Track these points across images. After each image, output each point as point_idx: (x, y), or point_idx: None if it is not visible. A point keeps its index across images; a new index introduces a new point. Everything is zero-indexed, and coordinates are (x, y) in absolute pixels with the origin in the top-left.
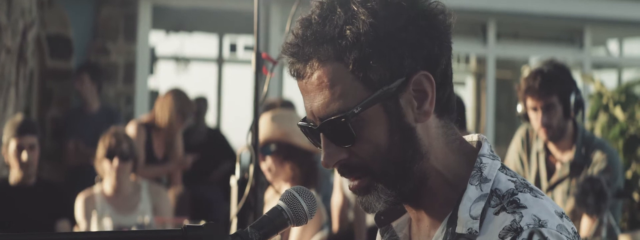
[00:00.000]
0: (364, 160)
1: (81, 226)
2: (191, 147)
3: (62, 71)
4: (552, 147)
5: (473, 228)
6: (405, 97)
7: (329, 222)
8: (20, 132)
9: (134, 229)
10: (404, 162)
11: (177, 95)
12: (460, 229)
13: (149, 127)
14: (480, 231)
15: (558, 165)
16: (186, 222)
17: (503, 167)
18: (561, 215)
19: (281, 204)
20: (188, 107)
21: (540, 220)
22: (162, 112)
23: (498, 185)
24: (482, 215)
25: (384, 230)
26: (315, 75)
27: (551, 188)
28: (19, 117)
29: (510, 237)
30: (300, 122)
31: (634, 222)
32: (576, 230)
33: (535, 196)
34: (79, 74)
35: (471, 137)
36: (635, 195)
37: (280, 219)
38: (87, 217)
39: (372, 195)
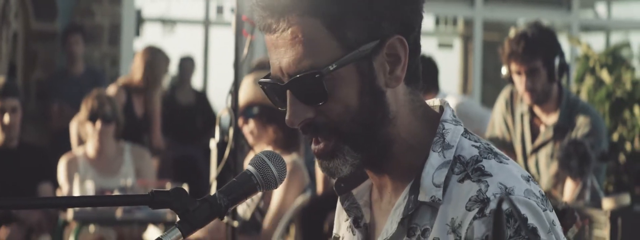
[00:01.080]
0: (331, 121)
1: (63, 189)
2: (178, 107)
3: (47, 33)
4: (536, 109)
5: (436, 196)
6: (379, 60)
7: (312, 185)
8: (2, 94)
9: (116, 191)
10: (372, 125)
11: (150, 52)
12: (422, 196)
13: (128, 89)
14: (443, 199)
15: (542, 128)
16: (168, 185)
17: (466, 132)
18: (528, 179)
19: (250, 168)
20: (162, 63)
21: (506, 187)
22: (137, 71)
23: (461, 152)
24: (446, 182)
25: (344, 198)
26: (289, 30)
27: (535, 151)
28: (0, 80)
29: (477, 209)
30: (261, 79)
31: (619, 185)
32: (544, 193)
33: (500, 162)
34: (72, 35)
35: (433, 102)
36: (622, 158)
37: (249, 184)
38: (70, 180)
39: (339, 159)
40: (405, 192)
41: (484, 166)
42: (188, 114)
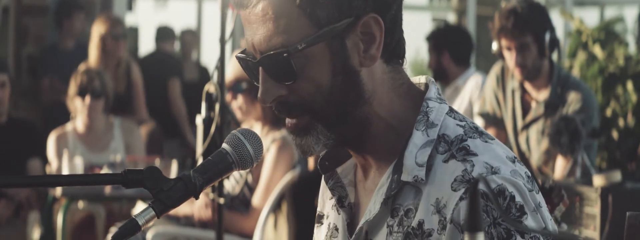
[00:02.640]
0: (304, 99)
1: (52, 165)
2: (184, 84)
3: (38, 8)
4: (527, 85)
5: (419, 175)
6: (352, 38)
7: (302, 161)
8: None
9: (105, 167)
10: (345, 105)
11: (107, 23)
12: (405, 176)
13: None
14: (428, 179)
15: (533, 104)
16: (157, 161)
17: (451, 111)
18: (513, 159)
19: (226, 147)
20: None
21: (492, 167)
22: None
23: (446, 131)
24: (430, 162)
25: (328, 177)
26: (260, 6)
27: (526, 127)
28: None
29: (463, 188)
30: (237, 54)
31: (613, 162)
32: (530, 174)
33: (486, 141)
34: (75, 13)
35: (418, 79)
36: (615, 134)
37: (225, 163)
38: (59, 155)
39: (312, 137)
40: (388, 172)
41: (469, 145)
42: (193, 90)
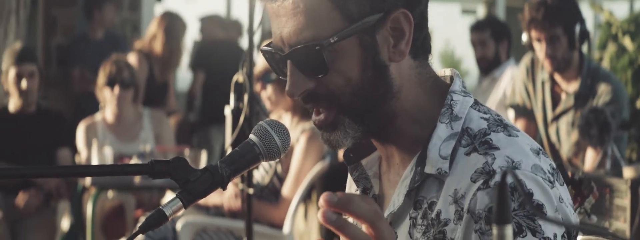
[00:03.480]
0: (332, 93)
1: (82, 155)
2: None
3: None
4: (557, 77)
5: (442, 168)
6: (382, 33)
7: (332, 151)
8: (19, 59)
9: (134, 157)
10: (374, 99)
11: (168, 18)
12: (429, 168)
13: (148, 57)
14: (449, 172)
15: (563, 96)
16: (187, 152)
17: (476, 103)
18: (537, 152)
19: (253, 138)
20: (180, 29)
21: (513, 161)
22: (156, 39)
23: (470, 124)
24: (453, 155)
25: (353, 168)
26: (290, 0)
27: (556, 118)
28: (18, 45)
29: (482, 180)
30: (263, 47)
31: None
32: (555, 166)
33: (509, 135)
34: (106, 4)
35: (444, 72)
36: None
37: (252, 154)
38: (88, 145)
39: (340, 131)
40: (412, 164)
41: (491, 139)
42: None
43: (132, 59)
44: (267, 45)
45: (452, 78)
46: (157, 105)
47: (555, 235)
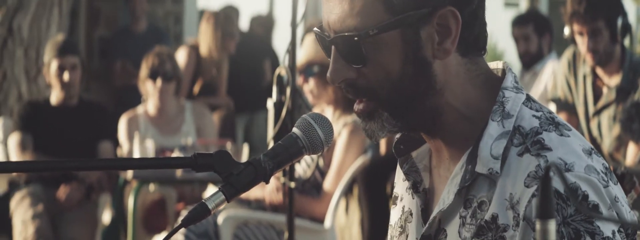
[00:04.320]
0: (371, 85)
1: (123, 148)
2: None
3: None
4: (599, 70)
5: (494, 168)
6: (427, 29)
7: (374, 145)
8: (62, 52)
9: (176, 150)
10: (414, 94)
11: (218, 17)
12: (480, 168)
13: (197, 53)
14: (502, 172)
15: (605, 90)
16: (229, 145)
17: (528, 100)
18: (590, 152)
19: (296, 131)
20: (233, 28)
21: (566, 163)
22: (204, 38)
23: (521, 122)
24: (505, 154)
25: (403, 161)
26: None
27: (597, 113)
28: (60, 37)
29: (536, 185)
30: (315, 29)
31: None
32: (607, 166)
33: (561, 134)
34: None
35: (496, 64)
36: None
37: (295, 147)
38: (130, 138)
39: (376, 123)
40: (462, 161)
41: (543, 139)
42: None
43: (181, 53)
44: (318, 27)
45: (503, 71)
46: (207, 100)
47: (613, 233)
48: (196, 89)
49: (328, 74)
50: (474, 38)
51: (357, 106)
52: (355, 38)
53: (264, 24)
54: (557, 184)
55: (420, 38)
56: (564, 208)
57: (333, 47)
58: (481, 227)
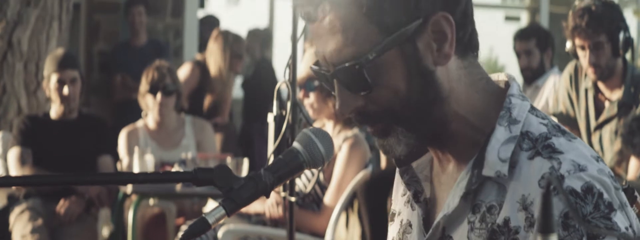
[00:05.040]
0: (382, 107)
1: (123, 162)
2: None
3: (110, 4)
4: (601, 85)
5: (501, 171)
6: (424, 39)
7: (374, 160)
8: (61, 66)
9: (176, 165)
10: (424, 106)
11: (226, 37)
12: (487, 171)
13: (203, 69)
14: (512, 176)
15: (606, 104)
16: (229, 160)
17: (533, 109)
18: (597, 159)
19: (297, 146)
20: (240, 49)
21: (580, 165)
22: (213, 57)
23: (529, 128)
24: (513, 158)
25: (403, 171)
26: (327, 19)
27: (599, 127)
28: (59, 51)
29: (553, 186)
30: (312, 66)
31: None
32: (612, 174)
33: (569, 140)
34: (134, 6)
35: (498, 76)
36: None
37: (296, 162)
38: (130, 152)
39: (392, 138)
40: (468, 167)
41: (554, 143)
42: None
43: (185, 67)
44: (315, 64)
45: (507, 83)
46: (209, 117)
47: (627, 228)
48: (206, 105)
49: (337, 107)
50: (469, 37)
51: (370, 129)
52: (357, 66)
53: (261, 38)
54: (573, 183)
55: (418, 49)
56: (583, 206)
57: (335, 80)
58: (493, 231)
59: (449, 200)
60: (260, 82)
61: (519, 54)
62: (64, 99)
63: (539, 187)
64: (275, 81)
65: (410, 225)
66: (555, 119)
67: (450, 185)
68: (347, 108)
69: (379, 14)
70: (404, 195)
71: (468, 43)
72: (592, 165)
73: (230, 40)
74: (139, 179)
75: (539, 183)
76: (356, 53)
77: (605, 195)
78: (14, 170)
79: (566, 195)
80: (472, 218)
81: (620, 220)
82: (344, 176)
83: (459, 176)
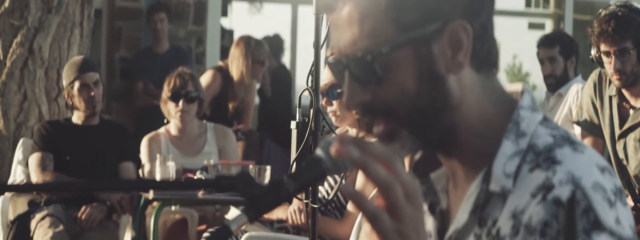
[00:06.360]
0: (388, 105)
1: (145, 168)
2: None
3: (132, 10)
4: (625, 92)
5: (506, 186)
6: (439, 44)
7: None
8: (82, 70)
9: (198, 172)
10: (432, 111)
11: (248, 43)
12: (493, 186)
13: (226, 77)
14: (513, 189)
15: (631, 112)
16: (251, 167)
17: (545, 120)
18: (603, 169)
19: (320, 153)
20: (263, 55)
21: (574, 176)
22: (234, 63)
23: (536, 140)
24: (517, 172)
25: (420, 182)
26: (345, 10)
27: (623, 135)
28: (78, 58)
29: (541, 194)
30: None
31: None
32: (618, 186)
33: (575, 150)
34: (156, 13)
35: (514, 87)
36: None
37: (319, 169)
38: (152, 159)
39: (396, 143)
40: (477, 181)
41: (555, 155)
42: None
43: (207, 74)
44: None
45: (522, 93)
46: (231, 124)
47: None
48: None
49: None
50: (486, 53)
51: (376, 129)
52: (369, 58)
53: (273, 44)
54: (560, 192)
55: (432, 53)
56: (564, 217)
57: (346, 72)
58: None
59: (459, 214)
60: (276, 88)
61: (542, 61)
62: (89, 102)
63: (531, 197)
64: (290, 88)
65: (430, 235)
66: (578, 128)
67: (461, 198)
68: (354, 101)
69: (398, 11)
70: (423, 203)
71: (485, 58)
72: (590, 176)
73: (252, 46)
74: (162, 185)
75: (532, 193)
76: (370, 46)
77: (594, 211)
78: (35, 176)
79: (570, 205)
80: (478, 231)
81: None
82: (366, 183)
83: (469, 190)
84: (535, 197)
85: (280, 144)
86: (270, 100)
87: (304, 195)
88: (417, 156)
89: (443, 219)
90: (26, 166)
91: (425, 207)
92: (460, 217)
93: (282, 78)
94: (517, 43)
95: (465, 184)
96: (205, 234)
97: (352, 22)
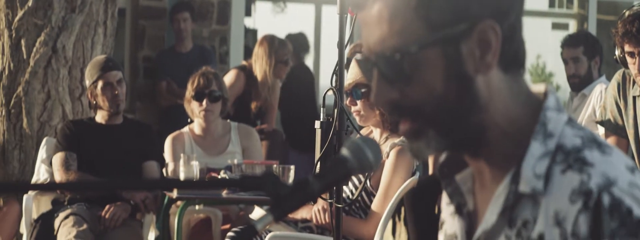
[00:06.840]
0: (415, 104)
1: (169, 168)
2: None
3: (156, 10)
4: None
5: (537, 187)
6: (468, 44)
7: (422, 167)
8: (105, 69)
9: (222, 171)
10: (459, 111)
11: (272, 43)
12: (523, 187)
13: (249, 76)
14: (545, 190)
15: None
16: (275, 166)
17: (570, 121)
18: (632, 170)
19: (345, 152)
20: (286, 54)
21: (609, 178)
22: (260, 62)
23: (563, 141)
24: (548, 173)
25: (447, 184)
26: (375, 8)
27: None
28: (100, 57)
29: (581, 201)
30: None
31: None
32: None
33: (603, 152)
34: (179, 12)
35: (538, 88)
36: None
37: (344, 169)
38: (175, 158)
39: (422, 142)
40: (505, 182)
41: (586, 156)
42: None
43: (231, 73)
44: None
45: (546, 94)
46: (255, 124)
47: None
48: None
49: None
50: (513, 53)
51: (402, 127)
52: (397, 56)
53: (298, 43)
54: (601, 197)
55: (461, 53)
56: (609, 223)
57: (374, 70)
58: None
59: (487, 215)
60: (296, 87)
61: (566, 61)
62: (112, 101)
63: (570, 203)
64: (312, 87)
65: (456, 237)
66: (602, 129)
67: (489, 198)
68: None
69: (428, 10)
70: (449, 204)
71: (512, 59)
72: (624, 176)
73: (275, 45)
74: (190, 185)
75: (570, 198)
76: (399, 44)
77: (636, 212)
78: (59, 175)
79: (611, 209)
80: (509, 233)
81: None
82: (391, 183)
83: (497, 190)
84: (575, 203)
85: (296, 148)
86: (291, 100)
87: (328, 195)
88: (442, 158)
89: (470, 220)
90: (50, 165)
91: (452, 208)
92: (489, 218)
93: (304, 78)
94: (540, 43)
95: (493, 185)
96: (230, 233)
97: (381, 20)
